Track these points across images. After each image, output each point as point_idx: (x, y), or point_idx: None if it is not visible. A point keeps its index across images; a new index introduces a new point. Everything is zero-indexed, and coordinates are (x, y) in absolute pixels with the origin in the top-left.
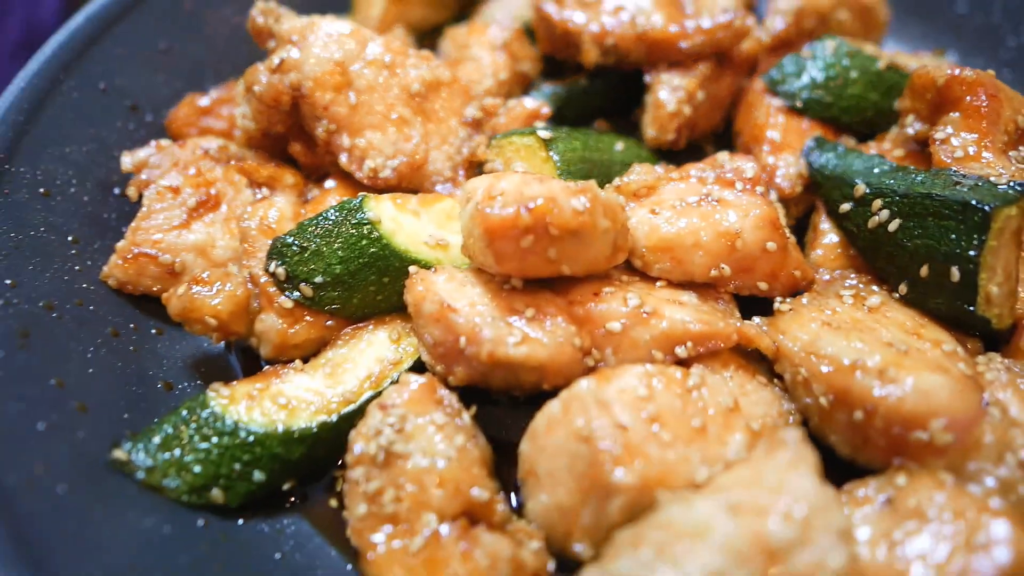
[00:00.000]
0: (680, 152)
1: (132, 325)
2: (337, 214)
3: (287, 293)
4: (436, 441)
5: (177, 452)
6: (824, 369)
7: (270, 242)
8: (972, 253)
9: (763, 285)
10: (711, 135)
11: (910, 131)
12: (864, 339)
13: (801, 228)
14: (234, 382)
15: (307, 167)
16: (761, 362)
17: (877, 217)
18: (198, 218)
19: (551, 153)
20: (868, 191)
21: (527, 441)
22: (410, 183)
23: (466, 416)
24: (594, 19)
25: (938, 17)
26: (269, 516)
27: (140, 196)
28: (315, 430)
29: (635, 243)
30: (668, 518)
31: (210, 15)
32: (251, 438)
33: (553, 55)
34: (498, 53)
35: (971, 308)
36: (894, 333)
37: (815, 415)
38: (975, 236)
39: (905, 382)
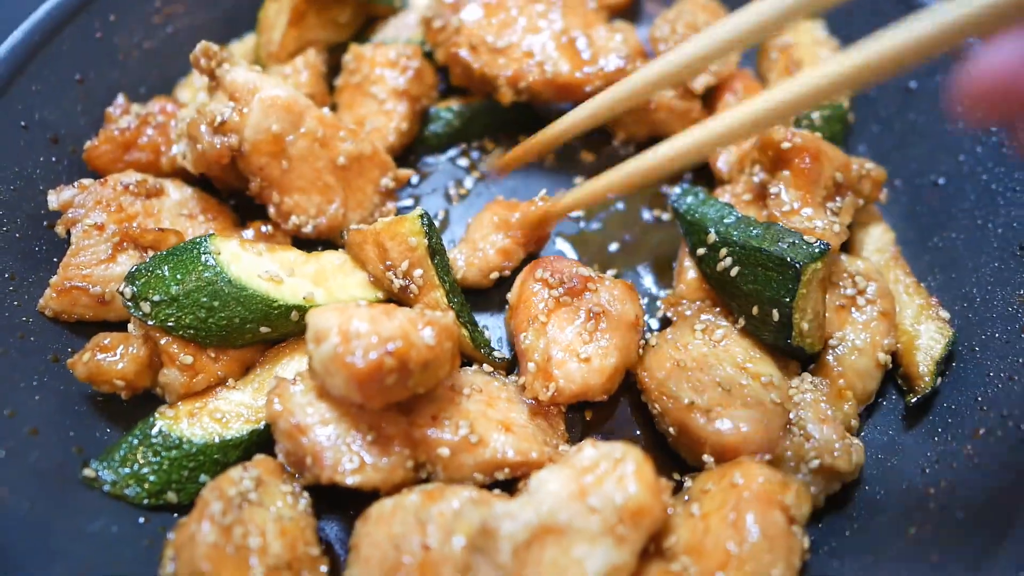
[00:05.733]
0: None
1: (70, 349)
2: (185, 244)
3: (133, 311)
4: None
5: (135, 466)
6: (671, 406)
7: None
8: (787, 299)
9: None
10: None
11: (755, 179)
12: (701, 379)
13: None
14: (178, 402)
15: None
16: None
17: (723, 263)
18: (123, 251)
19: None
20: (717, 239)
21: (361, 520)
22: (327, 237)
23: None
24: (508, 65)
25: None
26: None
27: (68, 232)
28: (246, 437)
29: None
30: None
31: (121, 41)
32: (194, 449)
33: (468, 89)
34: (399, 103)
35: (788, 340)
36: (726, 370)
37: (669, 437)
38: (789, 286)
39: (723, 422)
